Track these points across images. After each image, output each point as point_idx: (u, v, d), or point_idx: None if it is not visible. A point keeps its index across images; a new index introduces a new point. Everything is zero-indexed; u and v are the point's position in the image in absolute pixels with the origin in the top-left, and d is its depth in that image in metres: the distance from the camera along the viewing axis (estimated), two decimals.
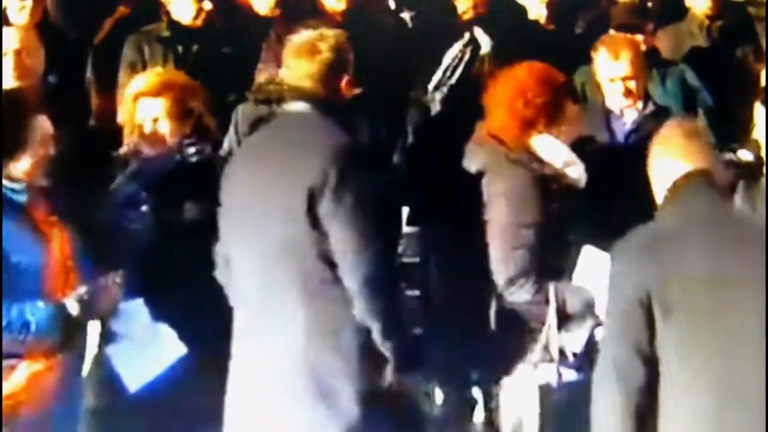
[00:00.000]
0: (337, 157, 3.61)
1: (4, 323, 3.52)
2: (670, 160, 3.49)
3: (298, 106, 3.79)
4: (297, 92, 3.79)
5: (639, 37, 5.38)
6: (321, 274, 3.64)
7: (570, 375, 3.97)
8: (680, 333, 3.26)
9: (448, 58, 5.52)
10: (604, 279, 3.44)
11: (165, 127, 4.19)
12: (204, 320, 3.92)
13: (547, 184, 4.02)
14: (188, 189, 4.13)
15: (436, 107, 5.49)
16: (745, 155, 4.52)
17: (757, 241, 3.34)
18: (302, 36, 3.91)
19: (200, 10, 5.58)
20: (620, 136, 4.88)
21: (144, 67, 5.45)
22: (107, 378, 3.97)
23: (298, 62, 3.82)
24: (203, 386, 3.90)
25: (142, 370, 3.88)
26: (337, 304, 3.64)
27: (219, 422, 3.87)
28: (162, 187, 4.14)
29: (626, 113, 4.91)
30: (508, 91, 4.14)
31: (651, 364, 3.27)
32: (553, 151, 4.06)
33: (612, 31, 5.53)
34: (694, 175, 3.44)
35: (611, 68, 4.90)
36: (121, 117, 4.35)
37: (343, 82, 3.81)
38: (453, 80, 5.46)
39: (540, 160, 4.04)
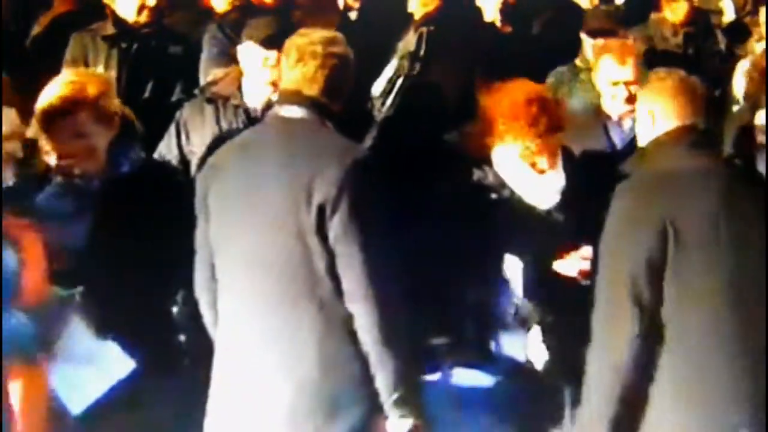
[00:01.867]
0: (352, 170, 3.45)
1: None
2: (660, 113, 3.62)
3: (297, 112, 3.59)
4: (296, 97, 3.59)
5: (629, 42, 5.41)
6: (330, 292, 3.47)
7: None
8: (690, 267, 3.41)
9: (389, 71, 5.43)
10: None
11: (88, 143, 3.79)
12: (155, 337, 3.76)
13: None
14: (131, 200, 3.80)
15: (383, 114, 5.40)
16: None
17: (754, 192, 3.56)
18: (305, 38, 3.69)
19: (143, 6, 5.46)
20: (620, 144, 4.84)
21: (86, 67, 5.31)
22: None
23: (301, 65, 3.60)
24: (155, 404, 3.73)
25: (84, 390, 3.68)
26: (344, 324, 3.49)
27: None
28: (101, 200, 3.83)
29: (624, 121, 4.87)
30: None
31: (659, 291, 3.41)
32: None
33: (584, 36, 5.66)
34: (686, 129, 3.58)
35: (617, 73, 4.90)
36: (33, 133, 3.95)
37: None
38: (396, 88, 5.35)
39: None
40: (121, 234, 3.73)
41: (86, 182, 3.83)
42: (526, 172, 3.98)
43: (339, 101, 3.64)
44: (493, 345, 3.98)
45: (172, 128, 4.79)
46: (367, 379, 3.48)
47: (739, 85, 5.60)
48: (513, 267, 3.94)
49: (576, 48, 5.77)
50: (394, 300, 3.46)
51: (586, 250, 3.89)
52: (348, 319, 3.47)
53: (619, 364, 3.43)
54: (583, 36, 5.71)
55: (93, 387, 3.67)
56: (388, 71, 5.44)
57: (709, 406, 3.40)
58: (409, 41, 5.53)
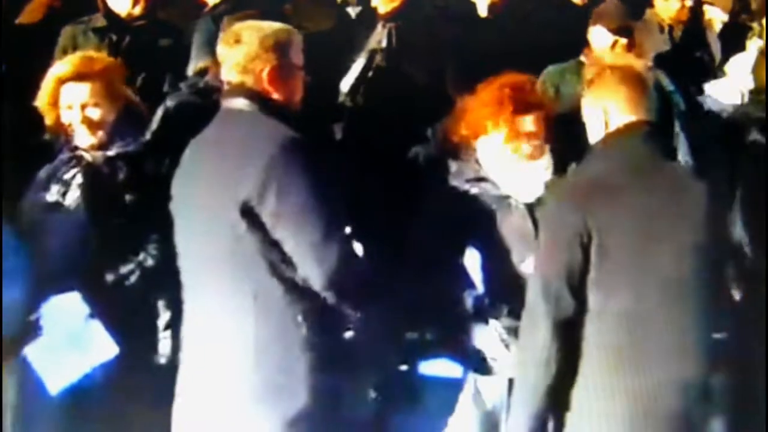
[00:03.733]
0: (275, 158, 3.45)
1: None
2: (613, 108, 3.58)
3: (239, 103, 3.62)
4: (237, 88, 3.62)
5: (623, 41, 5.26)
6: (268, 281, 3.50)
7: None
8: (612, 276, 3.42)
9: (357, 66, 5.44)
10: None
11: (95, 114, 4.01)
12: (138, 320, 3.84)
13: None
14: (124, 181, 3.97)
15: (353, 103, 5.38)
16: None
17: (689, 195, 3.52)
18: (236, 26, 3.74)
19: None
20: None
21: None
22: (27, 378, 3.81)
23: (225, 50, 3.65)
24: (132, 389, 3.80)
25: (65, 370, 3.74)
26: (283, 307, 3.51)
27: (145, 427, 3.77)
28: (96, 178, 3.97)
29: None
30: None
31: (578, 299, 3.42)
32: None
33: (598, 31, 5.35)
34: (636, 125, 3.56)
35: None
36: (41, 101, 4.12)
37: (264, 74, 3.58)
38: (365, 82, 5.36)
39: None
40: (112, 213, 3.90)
41: (92, 154, 3.98)
42: (509, 163, 3.92)
43: (284, 92, 3.63)
44: (463, 337, 3.96)
45: (158, 118, 4.82)
46: (311, 369, 3.50)
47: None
48: (472, 260, 3.93)
49: (571, 45, 5.56)
50: (350, 274, 3.51)
51: None
52: (286, 309, 3.49)
53: (539, 362, 3.45)
54: (596, 31, 5.35)
55: (73, 368, 3.73)
56: (357, 66, 5.42)
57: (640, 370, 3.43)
58: (376, 36, 5.51)
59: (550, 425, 3.53)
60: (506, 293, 3.87)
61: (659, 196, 3.49)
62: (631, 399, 3.41)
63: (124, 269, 3.90)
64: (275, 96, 3.60)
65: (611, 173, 3.52)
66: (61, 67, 4.10)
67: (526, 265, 3.79)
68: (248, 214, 3.45)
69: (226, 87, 3.68)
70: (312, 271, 3.47)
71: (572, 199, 3.52)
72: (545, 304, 3.43)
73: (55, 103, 4.03)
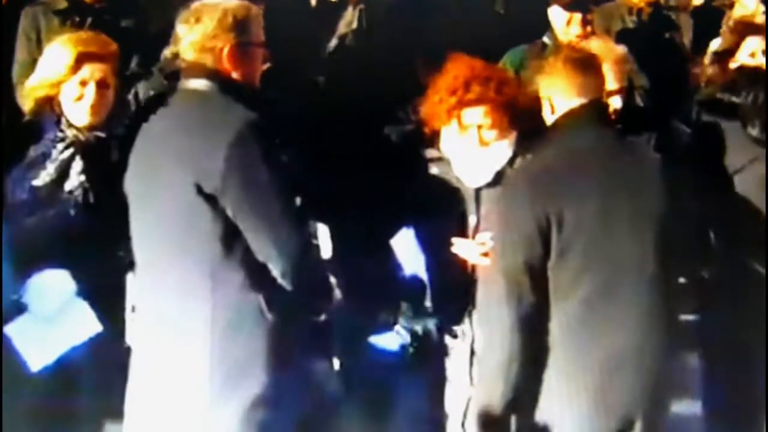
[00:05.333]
0: (234, 142, 3.42)
1: None
2: (558, 94, 3.58)
3: (197, 84, 3.60)
4: (196, 68, 3.59)
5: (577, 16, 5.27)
6: (226, 266, 3.49)
7: None
8: (573, 263, 3.43)
9: (341, 27, 5.46)
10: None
11: (106, 94, 3.97)
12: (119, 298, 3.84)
13: None
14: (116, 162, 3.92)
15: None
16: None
17: (645, 173, 3.54)
18: (195, 4, 3.68)
19: None
20: None
21: (39, 41, 5.32)
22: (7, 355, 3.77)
23: (184, 29, 3.61)
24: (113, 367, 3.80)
25: (47, 347, 3.73)
26: (242, 291, 3.52)
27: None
28: (93, 159, 3.95)
29: None
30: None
31: (540, 285, 3.44)
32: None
33: (555, 11, 5.37)
34: (583, 108, 3.55)
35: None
36: (50, 75, 3.98)
37: (224, 53, 3.55)
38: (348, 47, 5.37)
39: None
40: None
41: (86, 134, 3.95)
42: (462, 147, 3.93)
43: (222, 66, 3.57)
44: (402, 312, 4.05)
45: (130, 103, 4.80)
46: (273, 353, 3.51)
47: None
48: (401, 241, 3.98)
49: (537, 26, 5.51)
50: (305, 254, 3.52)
51: (482, 236, 3.83)
52: (246, 295, 3.49)
53: (503, 359, 3.47)
54: (553, 11, 5.36)
55: (56, 344, 3.72)
56: (330, 47, 5.43)
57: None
58: (347, 18, 5.53)
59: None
60: (439, 278, 3.94)
61: (614, 175, 3.51)
62: (591, 374, 3.46)
63: (110, 249, 3.89)
64: (234, 75, 3.57)
65: (562, 159, 3.54)
66: (82, 43, 4.00)
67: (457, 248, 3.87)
68: (206, 196, 3.44)
69: (183, 66, 3.65)
70: (271, 258, 3.47)
71: (526, 191, 3.52)
72: (507, 300, 3.44)
73: (67, 79, 3.95)
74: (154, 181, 3.57)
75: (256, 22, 3.64)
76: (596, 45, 4.54)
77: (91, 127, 3.96)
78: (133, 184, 3.67)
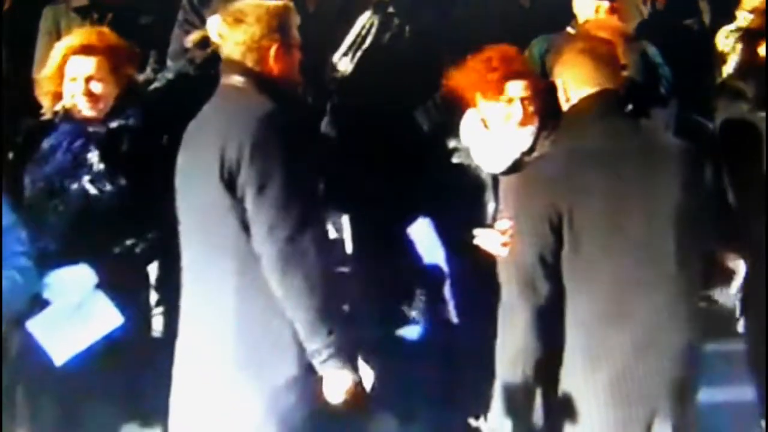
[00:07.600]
0: (255, 128, 3.49)
1: None
2: (571, 82, 3.61)
3: (234, 80, 3.66)
4: (235, 65, 3.65)
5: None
6: (250, 255, 3.52)
7: None
8: (587, 253, 3.44)
9: (358, 25, 5.45)
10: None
11: (98, 88, 4.06)
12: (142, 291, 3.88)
13: None
14: (126, 154, 4.04)
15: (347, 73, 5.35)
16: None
17: (659, 159, 3.53)
18: (236, 4, 3.76)
19: None
20: None
21: (59, 39, 5.31)
22: (28, 350, 3.85)
23: (226, 29, 3.68)
24: (135, 358, 3.85)
25: (70, 341, 3.77)
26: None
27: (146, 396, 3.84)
28: (104, 150, 4.03)
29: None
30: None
31: (554, 279, 3.44)
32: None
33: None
34: (595, 97, 3.56)
35: None
36: (44, 72, 4.17)
37: (271, 53, 3.63)
38: (365, 45, 5.37)
39: None
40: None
41: (88, 126, 4.02)
42: (482, 132, 3.98)
43: (267, 64, 3.63)
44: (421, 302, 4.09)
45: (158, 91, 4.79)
46: (294, 338, 3.51)
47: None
48: (418, 230, 4.03)
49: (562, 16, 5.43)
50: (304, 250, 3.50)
51: (503, 224, 3.87)
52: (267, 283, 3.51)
53: (518, 354, 3.50)
54: (579, 1, 5.26)
55: (79, 338, 3.76)
56: (349, 40, 5.43)
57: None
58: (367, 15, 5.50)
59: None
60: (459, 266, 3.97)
61: (628, 164, 3.50)
62: (611, 362, 3.46)
63: (128, 241, 3.95)
64: (276, 74, 3.64)
65: (575, 149, 3.55)
66: (70, 39, 4.17)
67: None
68: (230, 188, 3.51)
69: (224, 63, 3.71)
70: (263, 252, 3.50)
71: (540, 182, 3.55)
72: (522, 291, 3.46)
73: (60, 74, 4.07)
74: (193, 177, 3.65)
75: (295, 22, 3.73)
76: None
77: (96, 119, 4.01)
78: (177, 178, 3.74)
